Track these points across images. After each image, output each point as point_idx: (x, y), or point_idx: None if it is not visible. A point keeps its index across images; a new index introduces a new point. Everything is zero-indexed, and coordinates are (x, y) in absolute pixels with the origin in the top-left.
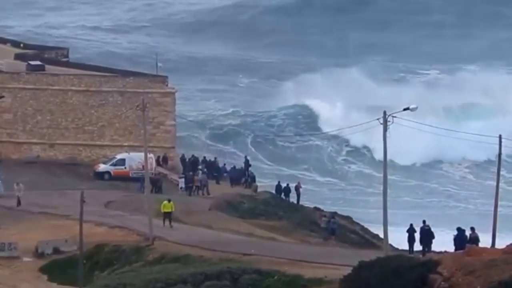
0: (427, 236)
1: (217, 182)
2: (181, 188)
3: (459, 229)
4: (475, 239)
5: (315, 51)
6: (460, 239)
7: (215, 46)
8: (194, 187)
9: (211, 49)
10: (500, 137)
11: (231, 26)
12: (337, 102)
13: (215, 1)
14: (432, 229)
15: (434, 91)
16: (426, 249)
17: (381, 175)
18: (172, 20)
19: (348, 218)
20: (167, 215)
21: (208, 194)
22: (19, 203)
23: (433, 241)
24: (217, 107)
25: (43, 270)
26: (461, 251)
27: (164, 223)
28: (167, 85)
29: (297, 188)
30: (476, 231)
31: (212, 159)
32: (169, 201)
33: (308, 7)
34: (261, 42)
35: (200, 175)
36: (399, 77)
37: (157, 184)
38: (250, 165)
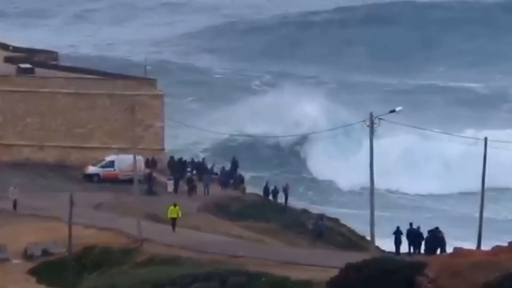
0: (416, 238)
1: None
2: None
3: (430, 231)
4: (441, 239)
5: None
6: (431, 241)
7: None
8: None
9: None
10: (485, 139)
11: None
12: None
13: None
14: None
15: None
16: (417, 251)
17: None
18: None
19: (335, 220)
20: (174, 221)
21: (208, 194)
22: (15, 206)
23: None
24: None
25: (32, 272)
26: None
27: (173, 229)
28: (155, 88)
29: (285, 190)
30: (440, 230)
31: (200, 160)
32: (175, 206)
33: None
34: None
35: (204, 175)
36: None
37: (150, 186)
38: (237, 166)
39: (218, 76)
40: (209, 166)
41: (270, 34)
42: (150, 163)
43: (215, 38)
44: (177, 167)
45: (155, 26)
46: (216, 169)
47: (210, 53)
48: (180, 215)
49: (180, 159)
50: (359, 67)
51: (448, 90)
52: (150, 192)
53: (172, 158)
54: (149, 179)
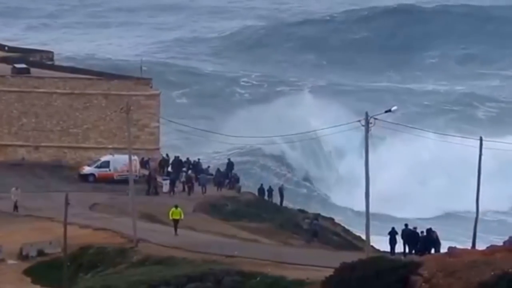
0: (413, 238)
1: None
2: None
3: (427, 230)
4: (435, 239)
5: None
6: (425, 241)
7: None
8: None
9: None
10: (481, 138)
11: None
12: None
13: None
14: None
15: None
16: (413, 251)
17: None
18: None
19: (330, 219)
20: (176, 222)
21: (205, 193)
22: (16, 208)
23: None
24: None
25: (27, 272)
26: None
27: (175, 231)
28: (151, 87)
29: (280, 190)
30: (434, 230)
31: (196, 160)
32: (177, 207)
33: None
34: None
35: (200, 174)
36: None
37: (151, 185)
38: (233, 168)
39: (212, 76)
40: (204, 166)
41: (263, 33)
42: (142, 163)
43: (210, 40)
44: (173, 166)
45: (147, 26)
46: (211, 170)
47: (204, 55)
48: (182, 216)
49: (177, 157)
50: (355, 67)
51: (438, 91)
52: (154, 192)
53: (163, 157)
54: (149, 180)
